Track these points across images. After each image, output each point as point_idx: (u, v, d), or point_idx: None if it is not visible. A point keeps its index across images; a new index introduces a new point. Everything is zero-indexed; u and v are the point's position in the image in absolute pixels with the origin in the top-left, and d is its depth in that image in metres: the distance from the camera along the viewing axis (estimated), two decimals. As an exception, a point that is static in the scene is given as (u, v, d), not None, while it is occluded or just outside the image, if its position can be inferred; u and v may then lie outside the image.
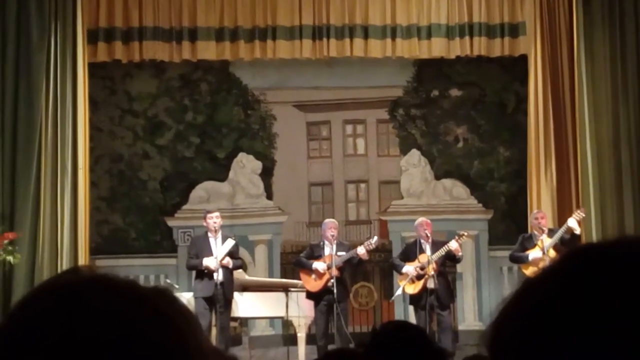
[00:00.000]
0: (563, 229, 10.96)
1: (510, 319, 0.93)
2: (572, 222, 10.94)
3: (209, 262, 10.66)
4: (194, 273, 11.13)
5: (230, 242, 10.90)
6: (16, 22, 11.93)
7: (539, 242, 10.87)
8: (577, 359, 0.86)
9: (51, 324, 0.91)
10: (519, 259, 11.10)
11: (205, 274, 10.71)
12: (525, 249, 11.05)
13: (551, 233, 11.00)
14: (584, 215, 11.26)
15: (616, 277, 0.88)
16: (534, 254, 10.85)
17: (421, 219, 11.30)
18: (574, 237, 10.81)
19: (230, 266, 10.81)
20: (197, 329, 1.00)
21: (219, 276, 10.64)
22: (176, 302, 1.00)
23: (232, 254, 10.89)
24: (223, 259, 10.71)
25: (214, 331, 10.76)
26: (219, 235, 10.85)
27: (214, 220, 10.86)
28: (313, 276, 11.01)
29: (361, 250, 10.90)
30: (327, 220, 11.52)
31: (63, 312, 0.92)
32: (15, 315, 0.95)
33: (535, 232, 11.09)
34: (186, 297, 10.63)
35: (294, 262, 11.75)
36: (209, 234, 10.90)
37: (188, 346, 0.96)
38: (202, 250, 10.82)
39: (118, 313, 0.93)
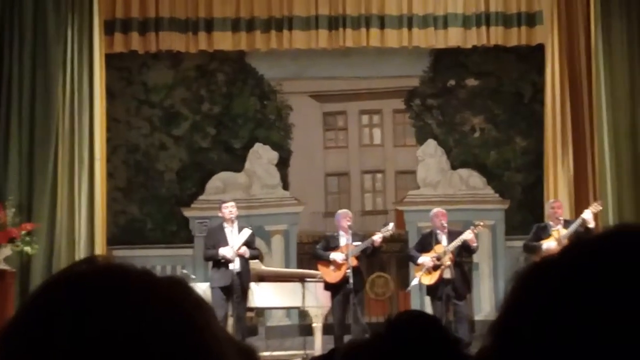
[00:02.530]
0: (579, 220, 10.91)
1: (517, 313, 0.93)
2: (587, 214, 10.87)
3: (225, 251, 10.68)
4: (210, 263, 11.16)
5: (247, 232, 10.92)
6: (33, 14, 11.97)
7: (554, 232, 10.82)
8: (587, 350, 0.86)
9: (65, 314, 0.92)
10: (532, 249, 11.04)
11: (222, 263, 10.73)
12: (539, 238, 10.99)
13: (567, 224, 10.94)
14: (600, 207, 11.18)
15: (621, 268, 0.88)
16: (548, 244, 10.79)
17: (436, 210, 11.28)
18: (588, 230, 10.72)
19: (247, 256, 10.82)
20: (212, 319, 1.00)
21: (235, 266, 10.66)
22: (191, 292, 1.00)
23: (248, 243, 10.90)
24: (239, 248, 10.73)
25: (230, 321, 10.78)
26: (235, 225, 10.87)
27: (230, 209, 10.89)
28: (332, 267, 11.01)
29: (377, 237, 10.90)
30: (340, 211, 11.51)
31: (77, 303, 0.92)
32: (30, 305, 0.96)
33: (551, 222, 11.05)
34: (202, 288, 10.66)
35: (312, 254, 11.74)
36: (225, 224, 10.92)
37: (203, 336, 0.96)
38: (219, 240, 10.84)
39: (132, 303, 0.93)
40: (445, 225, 10.97)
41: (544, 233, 10.99)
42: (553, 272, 0.93)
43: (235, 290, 10.64)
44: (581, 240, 0.95)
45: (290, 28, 12.65)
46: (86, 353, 0.89)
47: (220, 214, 11.01)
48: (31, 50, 11.93)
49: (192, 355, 0.93)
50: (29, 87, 11.89)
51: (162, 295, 0.96)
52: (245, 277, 10.80)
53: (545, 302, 0.90)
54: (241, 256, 10.74)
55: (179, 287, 0.98)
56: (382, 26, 12.64)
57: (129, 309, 0.92)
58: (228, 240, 10.78)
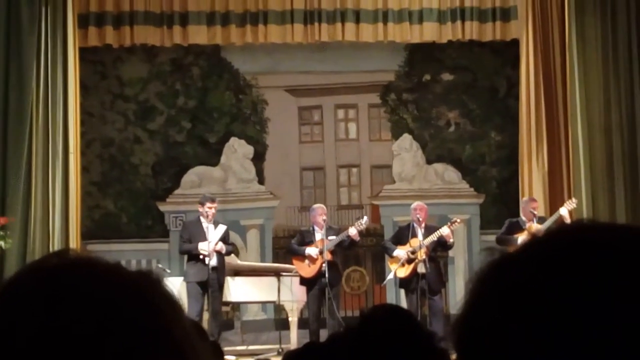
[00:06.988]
0: (555, 216, 10.97)
1: (479, 310, 0.93)
2: (564, 211, 10.95)
3: (203, 246, 10.68)
4: (185, 258, 11.15)
5: (223, 228, 10.96)
6: (6, 7, 11.88)
7: (528, 227, 10.87)
8: (549, 345, 0.87)
9: (32, 307, 0.91)
10: (506, 241, 11.05)
11: (198, 258, 10.73)
12: (512, 233, 11.05)
13: (541, 221, 10.98)
14: (575, 205, 11.23)
15: (581, 262, 0.89)
16: (522, 238, 10.83)
17: (417, 203, 11.30)
18: None
19: (224, 251, 10.84)
20: (180, 313, 1.00)
21: (212, 261, 10.66)
22: (160, 285, 1.00)
23: (224, 239, 10.92)
24: (216, 244, 10.73)
25: (205, 315, 10.79)
26: (211, 220, 10.88)
27: (214, 211, 10.87)
28: (306, 262, 11.01)
29: (352, 231, 10.90)
30: (315, 205, 11.52)
31: (45, 295, 0.92)
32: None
33: (524, 218, 11.12)
34: (176, 283, 10.65)
35: (286, 249, 11.75)
36: (202, 219, 10.91)
37: (171, 329, 0.96)
38: (196, 235, 10.83)
39: (101, 296, 0.93)
40: (422, 219, 10.99)
41: (517, 228, 11.06)
42: (513, 268, 0.93)
43: (211, 284, 10.65)
44: (541, 236, 0.96)
45: (265, 22, 12.64)
46: (51, 344, 0.89)
47: (200, 210, 10.96)
48: (4, 43, 11.83)
49: (160, 348, 0.93)
50: (2, 80, 11.80)
51: (130, 288, 0.96)
52: (221, 272, 10.82)
53: (506, 298, 0.90)
54: (218, 252, 10.75)
55: (147, 281, 0.98)
56: (357, 21, 12.65)
57: (96, 301, 0.92)
58: (205, 235, 10.77)
